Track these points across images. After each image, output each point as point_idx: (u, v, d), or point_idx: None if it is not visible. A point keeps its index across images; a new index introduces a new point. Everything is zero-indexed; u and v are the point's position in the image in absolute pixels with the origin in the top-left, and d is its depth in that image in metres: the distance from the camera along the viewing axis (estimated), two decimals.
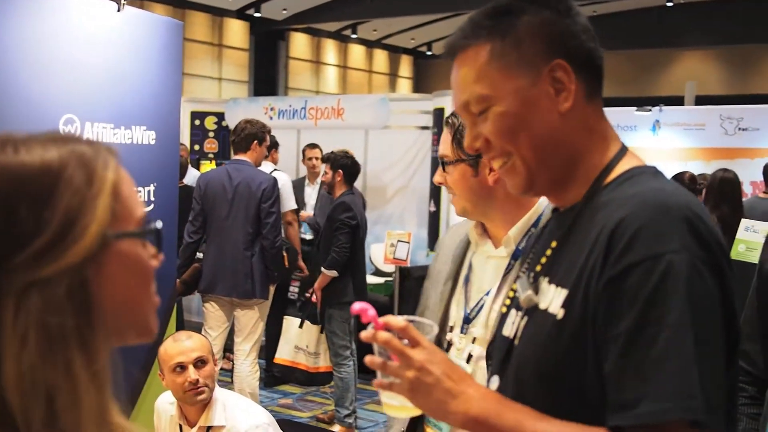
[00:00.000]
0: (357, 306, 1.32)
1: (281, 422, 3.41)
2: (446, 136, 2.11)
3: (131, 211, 0.96)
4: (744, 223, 4.98)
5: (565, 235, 1.34)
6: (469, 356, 2.07)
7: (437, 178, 2.12)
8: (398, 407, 1.38)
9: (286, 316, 6.26)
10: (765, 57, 22.17)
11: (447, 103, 7.62)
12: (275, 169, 6.62)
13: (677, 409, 1.11)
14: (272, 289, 5.81)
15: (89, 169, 0.92)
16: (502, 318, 1.48)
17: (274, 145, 6.92)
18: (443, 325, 2.14)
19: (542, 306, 1.32)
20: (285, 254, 6.34)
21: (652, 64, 22.33)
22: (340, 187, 6.08)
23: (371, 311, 1.31)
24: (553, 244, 1.37)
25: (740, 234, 4.80)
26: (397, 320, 1.28)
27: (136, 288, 0.96)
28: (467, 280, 2.15)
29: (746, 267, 4.03)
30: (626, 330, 1.15)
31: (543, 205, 2.08)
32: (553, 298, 1.29)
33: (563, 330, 1.25)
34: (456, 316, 2.14)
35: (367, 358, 1.30)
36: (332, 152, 6.25)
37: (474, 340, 2.07)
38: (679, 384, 1.12)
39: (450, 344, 2.12)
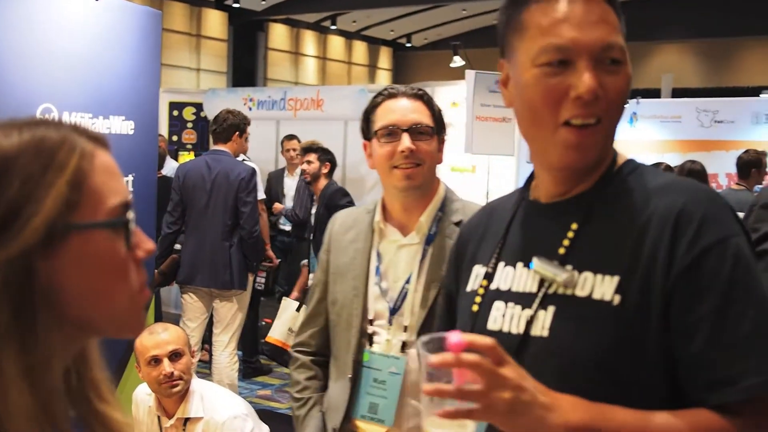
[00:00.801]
0: (455, 339, 1.11)
1: (260, 413, 3.42)
2: (421, 107, 2.15)
3: (100, 200, 0.91)
4: None
5: (584, 223, 1.32)
6: (403, 345, 2.09)
7: (410, 144, 2.08)
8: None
9: (284, 297, 6.27)
10: (741, 50, 22.34)
11: None
12: (245, 159, 6.63)
13: None
14: (251, 279, 5.80)
15: (48, 156, 0.88)
16: (477, 313, 1.41)
17: None
18: (364, 317, 2.16)
19: (581, 294, 1.27)
20: None
21: (629, 56, 22.44)
22: (324, 179, 6.12)
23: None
24: (574, 226, 1.32)
25: None
26: (485, 339, 1.13)
27: (102, 280, 0.91)
28: (378, 270, 2.16)
29: None
30: (714, 310, 1.18)
31: (444, 190, 2.16)
32: (594, 286, 1.26)
33: (621, 316, 1.22)
34: (375, 307, 2.15)
35: (429, 387, 1.10)
36: (314, 143, 6.25)
37: (405, 328, 2.09)
38: None
39: (372, 336, 2.14)
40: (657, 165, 7.08)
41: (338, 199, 5.95)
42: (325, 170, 6.12)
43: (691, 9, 20.91)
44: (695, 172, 6.25)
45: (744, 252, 1.22)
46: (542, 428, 1.14)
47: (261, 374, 7.02)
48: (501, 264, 1.41)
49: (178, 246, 5.71)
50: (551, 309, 1.30)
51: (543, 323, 1.30)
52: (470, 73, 7.09)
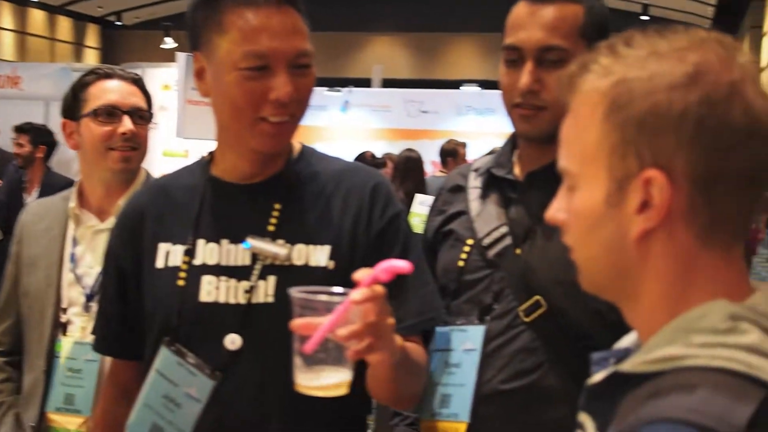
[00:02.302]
0: (366, 278, 1.15)
1: None
2: (138, 92, 2.14)
3: None
4: (418, 198, 5.34)
5: (287, 202, 1.50)
6: None
7: (131, 127, 2.06)
8: (335, 385, 1.21)
9: None
10: (446, 45, 23.84)
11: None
12: None
13: (436, 319, 1.55)
14: None
15: None
16: (185, 288, 1.48)
17: None
18: (57, 306, 2.09)
19: (299, 263, 1.46)
20: None
21: (343, 46, 23.12)
22: (40, 166, 5.71)
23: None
24: (278, 206, 1.48)
25: (415, 208, 5.12)
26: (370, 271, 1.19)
27: None
28: (73, 257, 2.12)
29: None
30: None
31: (144, 175, 2.17)
32: (309, 255, 1.46)
33: (336, 279, 1.36)
34: (70, 296, 2.10)
35: (346, 330, 1.15)
36: (31, 124, 5.86)
37: None
38: (436, 298, 1.55)
39: (66, 324, 2.09)
40: (363, 153, 7.41)
41: None
42: (39, 154, 5.70)
43: (402, 4, 21.97)
44: (412, 160, 6.66)
45: (408, 221, 1.57)
46: (395, 350, 1.27)
47: None
48: (201, 241, 1.50)
49: None
50: (272, 278, 1.45)
51: (266, 291, 1.45)
52: (181, 56, 6.93)
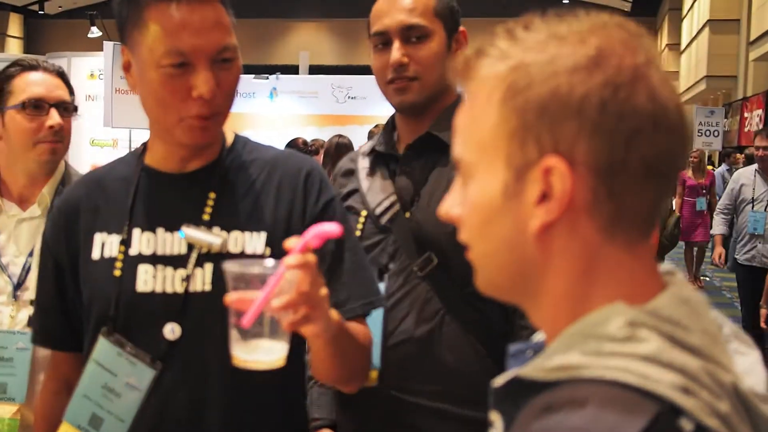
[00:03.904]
0: (297, 246, 1.15)
1: None
2: (62, 84, 2.18)
3: None
4: None
5: (222, 191, 1.50)
6: (30, 319, 2.06)
7: (59, 120, 2.12)
8: (274, 360, 1.21)
9: None
10: None
11: (63, 64, 7.29)
12: None
13: (376, 302, 1.57)
14: None
15: None
16: (121, 278, 1.48)
17: None
18: None
19: (235, 250, 1.45)
20: None
21: (269, 33, 23.00)
22: None
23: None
24: (213, 195, 1.49)
25: None
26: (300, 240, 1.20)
27: None
28: None
29: None
30: (331, 250, 1.50)
31: (64, 164, 2.21)
32: (245, 242, 1.47)
33: None
34: None
35: (281, 300, 1.15)
36: None
37: (32, 302, 2.05)
38: (375, 282, 1.59)
39: None
40: (295, 139, 7.47)
41: None
42: None
43: None
44: (342, 145, 6.62)
45: (342, 206, 1.61)
46: (330, 323, 1.27)
47: None
48: (136, 230, 1.50)
49: None
50: (209, 266, 1.45)
51: (204, 279, 1.45)
52: (108, 45, 6.89)
